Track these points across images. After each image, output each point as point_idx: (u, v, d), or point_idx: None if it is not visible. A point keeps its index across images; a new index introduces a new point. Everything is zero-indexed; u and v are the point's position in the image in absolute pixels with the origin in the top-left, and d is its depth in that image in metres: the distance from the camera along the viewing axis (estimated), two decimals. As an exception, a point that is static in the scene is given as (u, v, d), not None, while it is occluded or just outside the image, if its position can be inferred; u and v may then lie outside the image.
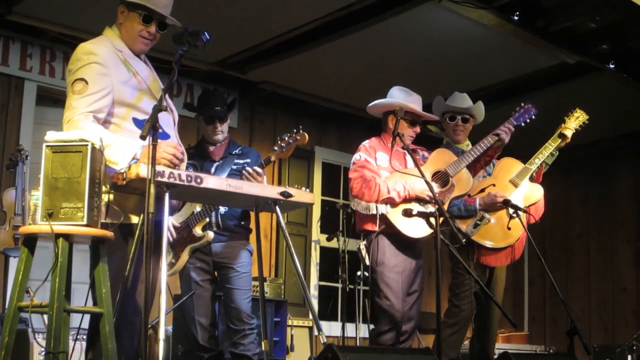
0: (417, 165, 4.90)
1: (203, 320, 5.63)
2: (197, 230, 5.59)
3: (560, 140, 5.85)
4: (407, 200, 5.22)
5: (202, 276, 5.68)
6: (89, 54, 3.81)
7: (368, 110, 5.71)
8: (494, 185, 5.73)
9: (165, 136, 3.91)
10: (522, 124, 5.67)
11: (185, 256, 5.62)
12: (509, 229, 5.61)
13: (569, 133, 5.86)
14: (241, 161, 5.79)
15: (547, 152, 5.80)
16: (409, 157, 5.32)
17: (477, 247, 5.56)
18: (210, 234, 5.61)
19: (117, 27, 4.01)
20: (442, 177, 5.36)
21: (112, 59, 3.87)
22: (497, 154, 5.66)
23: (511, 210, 5.55)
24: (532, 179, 5.81)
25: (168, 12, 4.04)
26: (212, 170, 5.69)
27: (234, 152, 5.83)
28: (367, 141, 5.52)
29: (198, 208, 5.57)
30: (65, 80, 3.93)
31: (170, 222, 5.38)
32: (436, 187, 5.22)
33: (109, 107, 3.79)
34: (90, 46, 3.86)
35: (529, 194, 5.74)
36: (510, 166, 5.80)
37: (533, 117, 5.75)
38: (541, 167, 5.87)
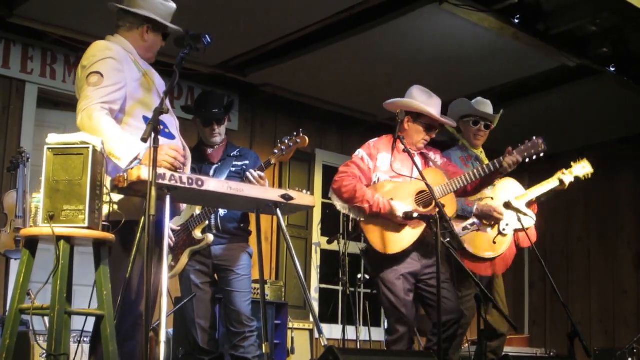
0: (419, 169, 4.91)
1: (203, 323, 5.63)
2: (197, 233, 5.59)
3: (558, 184, 5.84)
4: (377, 215, 5.05)
5: (202, 279, 5.68)
6: (104, 50, 3.91)
7: (385, 106, 5.46)
8: (492, 199, 5.71)
9: (171, 137, 3.96)
10: (527, 160, 5.23)
11: (184, 259, 5.62)
12: (494, 242, 5.63)
13: (567, 180, 5.85)
14: (239, 163, 5.79)
15: (546, 188, 5.82)
16: (417, 159, 5.18)
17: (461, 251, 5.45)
18: (210, 237, 5.60)
19: (129, 41, 4.08)
20: (425, 198, 5.13)
21: (125, 56, 3.97)
22: (498, 178, 5.41)
23: (504, 224, 5.59)
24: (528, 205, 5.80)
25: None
26: (211, 172, 5.68)
27: (232, 154, 5.83)
28: (375, 139, 5.37)
29: (197, 211, 5.56)
30: (77, 77, 4.02)
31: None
32: (419, 208, 5.08)
33: (122, 101, 3.86)
34: (105, 43, 3.97)
35: (524, 219, 5.66)
36: (512, 187, 5.82)
37: (541, 155, 5.29)
38: (534, 201, 5.86)
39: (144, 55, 4.13)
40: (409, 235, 5.04)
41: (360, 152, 5.27)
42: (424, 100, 5.29)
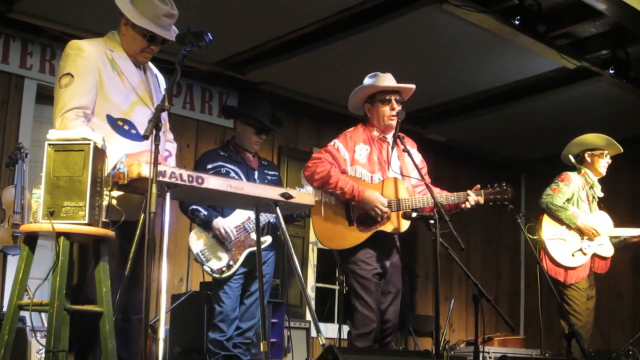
0: (413, 161, 4.92)
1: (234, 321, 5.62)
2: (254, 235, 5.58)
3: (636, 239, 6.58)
4: (351, 200, 4.98)
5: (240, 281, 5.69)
6: (75, 49, 3.93)
7: (351, 110, 5.45)
8: None
9: (139, 138, 3.90)
10: (490, 203, 5.17)
11: (242, 259, 5.61)
12: (572, 255, 6.32)
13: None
14: (270, 172, 5.87)
15: (626, 232, 6.55)
16: (394, 151, 5.16)
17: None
18: (269, 239, 5.66)
19: (119, 35, 4.06)
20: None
21: (99, 55, 3.97)
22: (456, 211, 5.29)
23: (586, 244, 6.34)
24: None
25: (171, 29, 4.08)
26: (255, 177, 5.71)
27: (263, 163, 5.89)
28: (351, 129, 5.29)
29: (253, 214, 5.54)
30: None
31: (226, 223, 5.51)
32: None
33: (94, 102, 3.87)
34: (78, 42, 3.98)
35: (606, 249, 6.50)
36: (605, 220, 6.56)
37: (505, 203, 5.16)
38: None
39: (128, 52, 4.08)
40: (354, 237, 5.01)
41: (336, 142, 5.20)
42: (373, 80, 5.24)
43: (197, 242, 5.64)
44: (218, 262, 5.57)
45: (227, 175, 5.56)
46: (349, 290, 5.08)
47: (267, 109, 5.91)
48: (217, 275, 5.57)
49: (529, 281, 10.81)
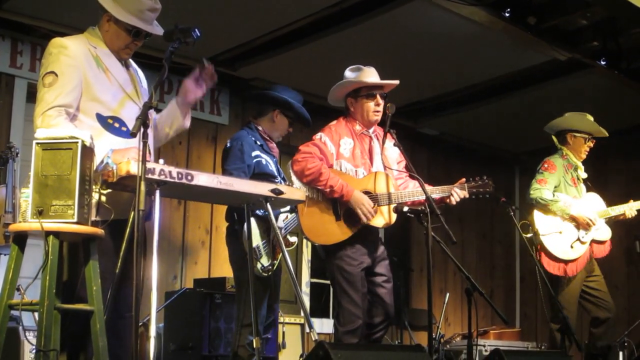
0: (403, 155, 4.89)
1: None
2: (287, 236, 5.57)
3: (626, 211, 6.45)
4: (339, 198, 4.94)
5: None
6: (59, 47, 3.89)
7: (330, 102, 5.44)
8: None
9: (129, 135, 3.84)
10: (473, 197, 5.22)
11: (279, 259, 5.57)
12: (571, 247, 6.27)
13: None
14: None
15: (623, 210, 6.45)
16: (375, 143, 5.17)
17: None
18: (296, 239, 5.66)
19: (100, 31, 4.03)
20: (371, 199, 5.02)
21: (83, 52, 3.93)
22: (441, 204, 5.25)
23: (583, 233, 6.27)
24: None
25: (154, 23, 4.06)
26: (279, 168, 5.69)
27: None
28: (334, 123, 5.23)
29: (288, 214, 5.52)
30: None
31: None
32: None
33: (78, 100, 3.84)
34: (61, 40, 3.94)
35: (603, 232, 6.42)
36: (597, 201, 6.49)
37: (487, 196, 5.26)
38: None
39: (111, 48, 4.05)
40: (341, 232, 4.97)
41: (322, 136, 5.11)
42: (357, 74, 5.20)
43: (257, 235, 5.36)
44: (266, 260, 5.41)
45: (266, 167, 5.46)
46: (335, 287, 5.06)
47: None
48: (265, 274, 5.35)
49: (524, 274, 10.81)
